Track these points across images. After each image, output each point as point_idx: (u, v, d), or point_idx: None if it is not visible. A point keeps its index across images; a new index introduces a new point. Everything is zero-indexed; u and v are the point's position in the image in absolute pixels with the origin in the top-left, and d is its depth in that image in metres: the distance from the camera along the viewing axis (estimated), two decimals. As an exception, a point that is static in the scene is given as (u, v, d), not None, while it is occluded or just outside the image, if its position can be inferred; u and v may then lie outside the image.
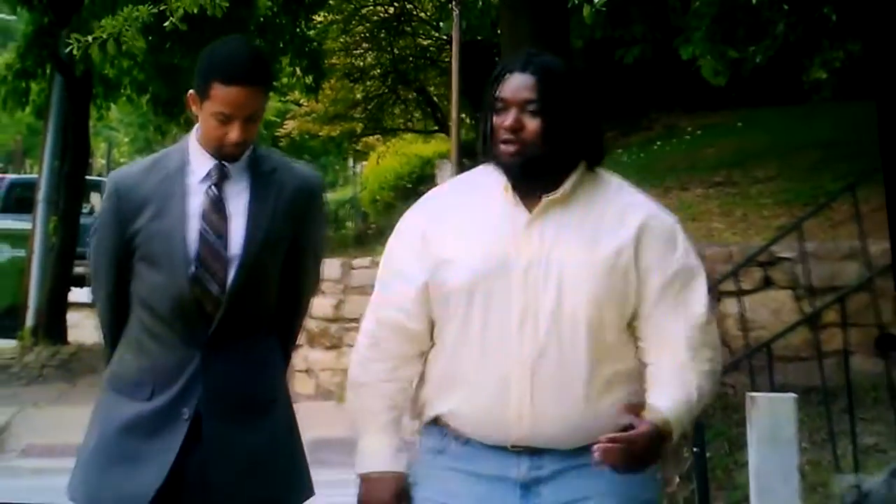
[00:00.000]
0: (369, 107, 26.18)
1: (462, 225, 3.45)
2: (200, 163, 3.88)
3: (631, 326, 3.43)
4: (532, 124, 3.36)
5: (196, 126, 3.93)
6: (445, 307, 3.43)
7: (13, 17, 25.55)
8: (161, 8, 11.64)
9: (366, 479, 3.51)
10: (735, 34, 12.21)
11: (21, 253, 17.62)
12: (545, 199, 3.38)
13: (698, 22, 12.74)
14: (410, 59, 24.48)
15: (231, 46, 3.90)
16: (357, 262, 13.10)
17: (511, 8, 11.58)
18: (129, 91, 18.57)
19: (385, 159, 26.85)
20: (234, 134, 3.79)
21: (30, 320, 16.67)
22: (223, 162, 3.87)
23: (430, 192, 3.74)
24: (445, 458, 3.48)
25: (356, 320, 13.92)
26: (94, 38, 12.18)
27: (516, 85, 3.39)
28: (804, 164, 12.52)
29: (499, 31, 13.59)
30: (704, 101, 16.74)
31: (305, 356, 12.89)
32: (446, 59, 20.24)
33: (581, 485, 3.37)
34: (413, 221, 3.58)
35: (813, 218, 8.93)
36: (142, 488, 3.78)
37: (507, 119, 3.37)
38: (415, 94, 25.84)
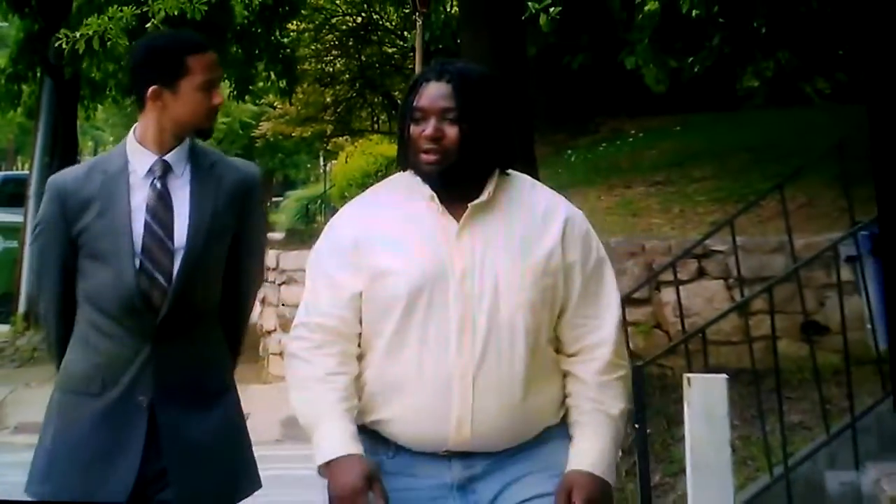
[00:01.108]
0: (338, 110, 26.16)
1: (394, 235, 3.30)
2: (141, 161, 3.77)
3: (556, 325, 3.35)
4: (452, 132, 3.24)
5: (133, 128, 3.85)
6: (380, 316, 3.27)
7: (5, 24, 25.36)
8: (143, 10, 11.68)
9: (330, 469, 3.20)
10: (674, 45, 12.29)
11: (13, 244, 17.59)
12: (471, 206, 3.27)
13: (641, 34, 12.83)
14: (376, 65, 24.46)
15: (170, 33, 3.95)
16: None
17: (470, 19, 11.60)
18: (115, 93, 18.49)
19: (353, 158, 26.76)
20: (218, 97, 3.78)
21: (22, 307, 16.60)
22: (164, 158, 3.75)
23: (355, 200, 3.56)
24: (384, 477, 3.23)
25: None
26: (80, 35, 12.26)
27: (433, 94, 3.28)
28: (736, 166, 12.58)
29: (458, 41, 13.60)
30: (646, 107, 16.79)
31: (279, 340, 12.88)
32: (410, 66, 20.23)
33: (509, 471, 3.29)
34: (343, 229, 3.41)
35: (743, 214, 8.97)
36: (119, 482, 3.67)
37: (427, 128, 3.25)
38: (381, 98, 25.83)
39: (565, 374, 3.37)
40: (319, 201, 32.46)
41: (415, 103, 3.30)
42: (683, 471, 5.28)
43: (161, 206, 3.74)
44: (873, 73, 6.72)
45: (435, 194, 3.29)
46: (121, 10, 12.29)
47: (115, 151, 3.90)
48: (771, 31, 11.62)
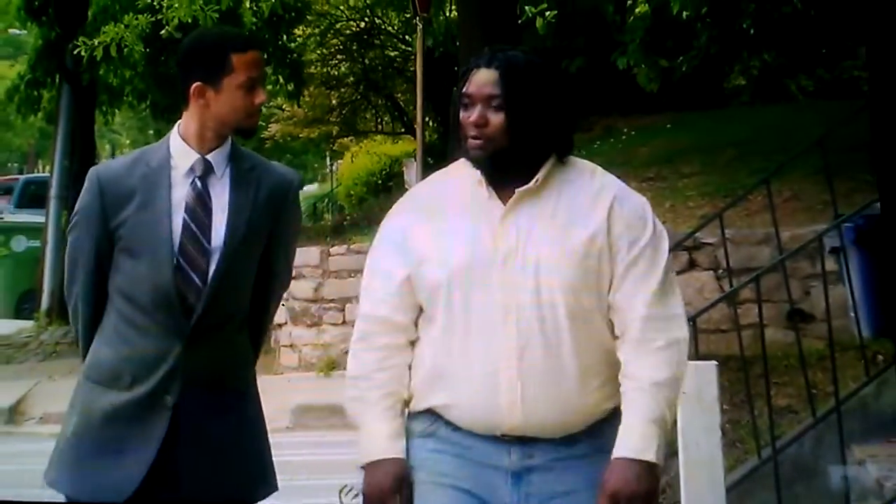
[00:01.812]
0: (344, 111, 26.14)
1: (440, 221, 3.22)
2: (183, 157, 3.65)
3: (608, 310, 3.19)
4: (496, 119, 3.13)
5: (178, 123, 3.72)
6: (428, 302, 3.20)
7: (23, 32, 25.42)
8: (158, 17, 11.70)
9: (366, 469, 3.21)
10: (665, 46, 12.30)
11: (36, 244, 17.62)
12: (517, 192, 3.16)
13: (633, 35, 12.83)
14: (380, 69, 24.43)
15: (217, 30, 3.84)
16: (334, 249, 13.14)
17: (468, 23, 11.64)
18: (131, 98, 18.53)
19: (358, 158, 26.78)
20: (260, 96, 3.65)
21: (45, 303, 16.63)
22: (206, 157, 3.64)
23: (410, 191, 3.48)
24: (436, 440, 3.23)
25: (334, 301, 14.01)
26: (98, 43, 12.29)
27: (480, 80, 3.16)
28: (724, 161, 12.58)
29: (457, 44, 13.62)
30: (638, 106, 16.79)
31: (290, 333, 12.92)
32: (411, 69, 20.21)
33: (570, 477, 3.16)
34: (394, 221, 3.34)
35: (731, 208, 9.00)
36: (126, 477, 3.55)
37: (473, 114, 3.15)
38: (384, 100, 25.80)
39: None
40: (326, 200, 32.50)
41: (463, 90, 3.20)
42: (676, 453, 5.29)
43: (200, 205, 3.63)
44: (874, 68, 6.70)
45: (484, 179, 3.19)
46: (136, 18, 12.29)
47: (159, 145, 3.76)
48: (756, 30, 11.61)
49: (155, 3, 11.90)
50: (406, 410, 3.29)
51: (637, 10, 17.36)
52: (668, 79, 13.43)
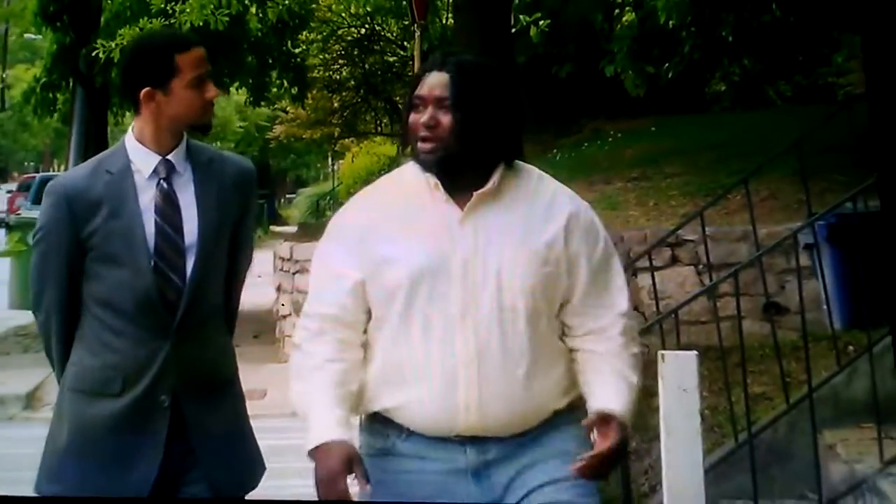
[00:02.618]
0: (345, 114, 26.16)
1: (397, 223, 3.12)
2: (144, 161, 3.56)
3: (559, 313, 3.17)
4: (445, 120, 3.05)
5: (131, 127, 3.62)
6: (384, 304, 3.10)
7: (39, 37, 25.42)
8: (171, 21, 11.73)
9: (314, 454, 3.04)
10: (651, 53, 12.33)
11: (52, 238, 17.60)
12: (476, 194, 3.07)
13: (620, 44, 12.87)
14: (379, 73, 24.46)
15: (156, 33, 3.73)
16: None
17: (463, 30, 11.68)
18: (142, 100, 18.50)
19: (358, 158, 26.89)
20: (210, 91, 3.55)
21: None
22: (167, 157, 3.56)
23: (360, 192, 3.37)
24: (392, 459, 3.14)
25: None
26: (115, 45, 12.32)
27: (432, 83, 3.09)
28: (705, 162, 12.60)
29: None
30: (624, 110, 16.82)
31: (293, 324, 12.91)
32: (409, 74, 20.24)
33: (528, 454, 3.12)
34: (347, 221, 3.25)
35: (712, 207, 9.03)
36: (139, 482, 3.47)
37: (423, 116, 3.07)
38: (383, 103, 25.83)
39: (574, 352, 3.20)
40: (328, 197, 32.54)
41: (415, 92, 3.13)
42: (657, 438, 5.32)
43: (169, 205, 3.54)
44: (871, 62, 6.70)
45: (439, 182, 3.10)
46: (150, 22, 12.36)
47: (114, 151, 3.65)
48: (737, 39, 11.65)
49: (168, 8, 11.99)
50: (352, 414, 3.17)
51: (624, 19, 17.39)
52: (654, 84, 13.48)
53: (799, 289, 7.27)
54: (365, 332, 3.18)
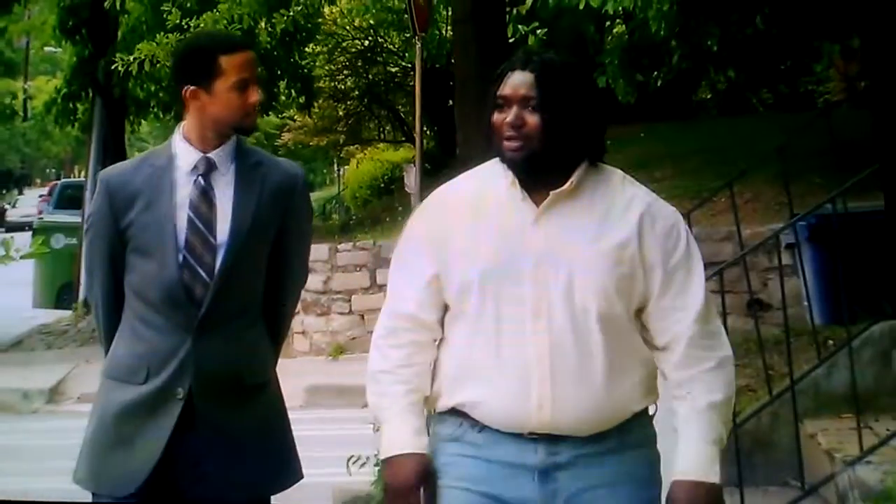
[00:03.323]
0: (350, 122, 26.11)
1: (472, 220, 2.96)
2: (187, 157, 3.47)
3: (639, 315, 2.97)
4: (532, 120, 2.88)
5: (180, 124, 3.54)
6: (457, 301, 2.96)
7: (59, 50, 25.46)
8: (186, 36, 11.80)
9: (389, 463, 2.97)
10: (641, 63, 12.34)
11: (73, 241, 17.67)
12: (552, 194, 2.90)
13: (611, 56, 12.89)
14: (382, 83, 24.41)
15: (206, 33, 3.65)
16: (341, 246, 13.25)
17: (462, 41, 11.63)
18: (157, 109, 18.59)
19: (363, 164, 26.86)
20: (255, 95, 3.46)
21: (82, 294, 16.68)
22: (208, 155, 3.46)
23: (439, 189, 3.14)
24: (461, 445, 2.98)
25: (340, 293, 14.09)
26: (134, 59, 12.41)
27: (516, 82, 2.92)
28: (692, 167, 12.64)
29: (452, 61, 13.67)
30: (616, 116, 16.81)
31: (301, 321, 13.02)
32: (411, 84, 20.26)
33: (595, 472, 2.92)
34: (423, 219, 3.09)
35: (698, 209, 9.06)
36: (137, 468, 3.38)
37: (509, 116, 2.90)
38: (386, 111, 25.78)
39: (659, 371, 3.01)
40: (334, 201, 32.52)
41: (498, 91, 2.95)
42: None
43: (204, 202, 3.44)
44: (871, 63, 6.68)
45: (517, 180, 2.93)
46: (166, 37, 12.43)
47: (164, 146, 3.58)
48: (723, 49, 11.65)
49: (183, 23, 12.02)
50: (425, 410, 3.06)
51: (615, 31, 17.41)
52: (643, 92, 13.47)
53: (781, 286, 7.27)
54: (440, 329, 3.04)
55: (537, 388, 2.88)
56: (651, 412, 3.04)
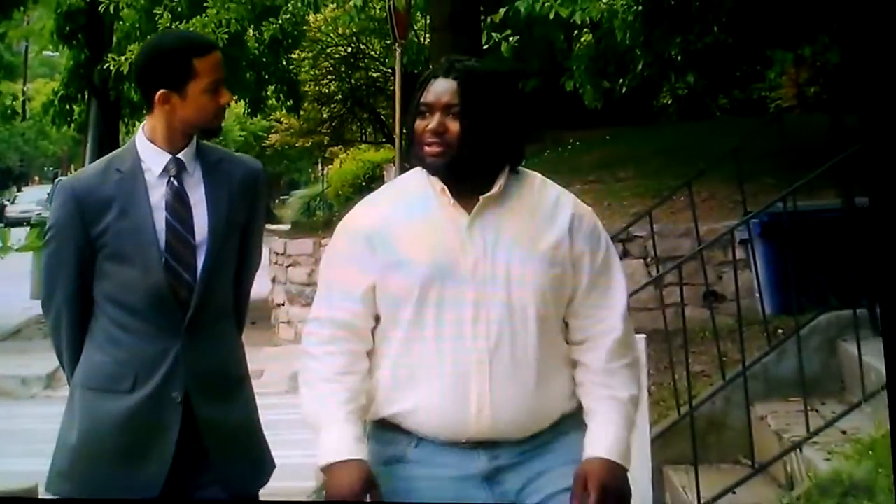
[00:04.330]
0: (333, 124, 26.13)
1: (406, 227, 2.84)
2: (154, 159, 3.25)
3: (564, 314, 2.90)
4: (454, 126, 2.79)
5: (142, 126, 3.30)
6: (395, 308, 2.83)
7: (56, 54, 25.37)
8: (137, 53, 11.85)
9: (329, 471, 2.80)
10: (607, 70, 12.39)
11: (69, 235, 17.62)
12: (482, 198, 2.81)
13: (579, 63, 12.94)
14: (364, 87, 24.45)
15: (173, 34, 3.34)
16: (325, 241, 13.20)
17: (439, 48, 11.74)
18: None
19: (345, 164, 26.87)
20: (225, 96, 3.25)
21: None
22: (177, 156, 3.26)
23: (367, 198, 3.04)
24: (404, 466, 2.86)
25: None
26: (125, 59, 12.41)
27: (439, 89, 2.83)
28: (653, 168, 12.62)
29: (430, 67, 13.69)
30: (582, 121, 16.84)
31: (287, 311, 13.05)
32: (391, 88, 20.23)
33: (538, 463, 2.84)
34: (355, 226, 2.93)
35: (659, 207, 9.07)
36: (150, 479, 3.18)
37: (431, 122, 2.81)
38: (368, 114, 25.81)
39: (574, 364, 2.91)
40: (318, 199, 32.53)
41: (421, 98, 2.86)
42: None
43: (179, 203, 3.24)
44: (864, 80, 6.68)
45: (446, 187, 2.84)
46: (158, 39, 12.46)
47: (125, 150, 3.34)
48: (683, 58, 11.72)
49: (173, 26, 12.04)
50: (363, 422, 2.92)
51: (583, 39, 17.45)
52: (609, 98, 13.53)
53: (735, 279, 7.35)
54: (373, 339, 2.91)
55: (476, 392, 2.78)
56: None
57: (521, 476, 2.85)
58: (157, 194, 3.24)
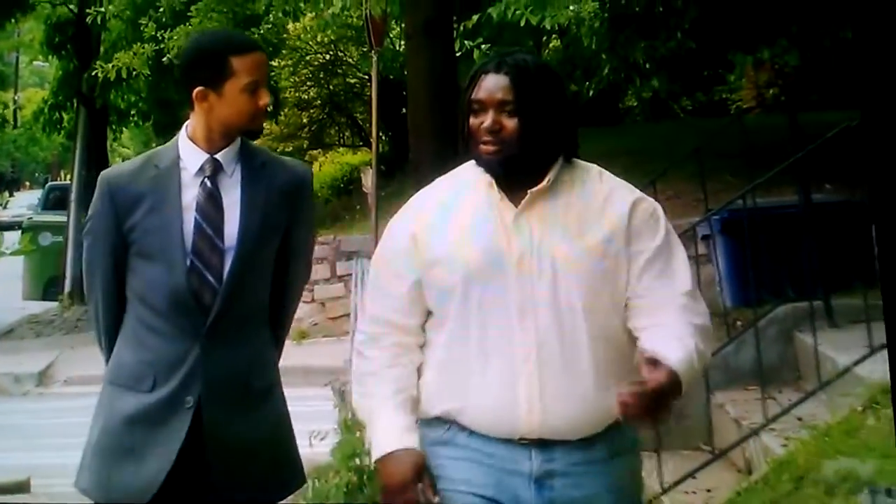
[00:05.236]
0: (313, 128, 26.04)
1: (452, 223, 2.71)
2: (192, 158, 3.07)
3: (624, 309, 2.70)
4: (510, 124, 2.64)
5: (186, 125, 3.13)
6: (441, 304, 2.70)
7: (46, 64, 25.32)
8: (160, 47, 11.82)
9: (381, 464, 2.69)
10: (574, 74, 12.43)
11: (59, 239, 17.57)
12: (530, 192, 2.66)
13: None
14: (342, 93, 24.38)
15: (216, 33, 3.21)
16: (304, 240, 13.24)
17: (414, 55, 11.72)
18: (136, 118, 18.58)
19: (324, 167, 26.74)
20: (264, 98, 3.05)
21: (67, 287, 16.62)
22: (215, 156, 3.07)
23: (417, 194, 2.87)
24: (452, 448, 2.71)
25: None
26: (112, 66, 12.44)
27: (492, 86, 2.67)
28: (619, 167, 12.53)
29: (405, 72, 13.72)
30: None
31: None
32: (368, 94, 20.25)
33: (589, 482, 2.66)
34: (402, 224, 2.80)
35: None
36: (149, 479, 3.01)
37: (486, 120, 2.66)
38: (346, 119, 25.76)
39: (637, 335, 2.67)
40: (299, 200, 32.52)
41: (473, 95, 2.70)
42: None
43: (211, 204, 3.05)
44: (867, 77, 6.67)
45: (494, 181, 2.70)
46: (143, 47, 12.48)
47: (167, 147, 3.16)
48: (648, 62, 11.77)
49: (158, 35, 12.06)
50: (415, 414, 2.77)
51: (552, 45, 17.48)
52: (576, 100, 13.58)
53: (697, 273, 7.26)
54: (424, 333, 2.78)
55: (525, 390, 2.62)
56: None
57: (571, 490, 2.66)
58: (190, 194, 3.06)
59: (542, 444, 2.65)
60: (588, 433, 2.67)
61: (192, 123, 3.11)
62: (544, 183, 2.68)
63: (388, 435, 2.69)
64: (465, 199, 2.74)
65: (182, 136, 3.12)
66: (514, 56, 2.72)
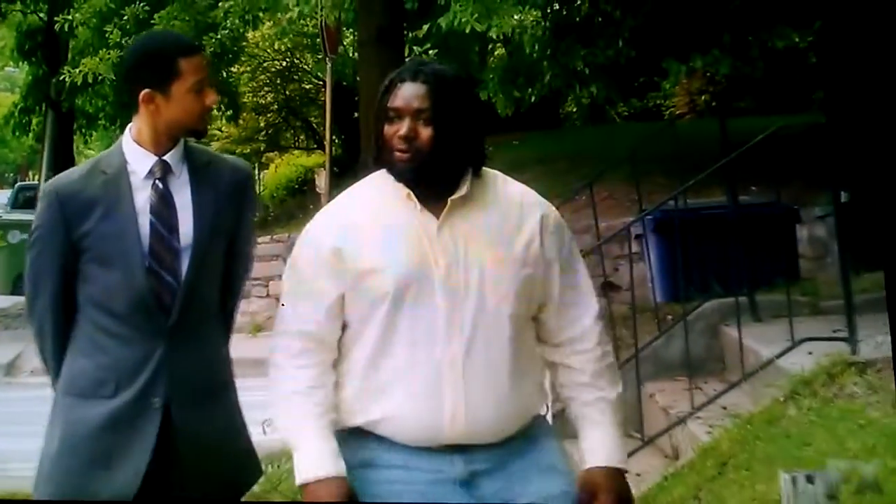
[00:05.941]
0: (269, 132, 25.88)
1: (374, 235, 2.57)
2: (140, 161, 2.92)
3: (536, 316, 2.67)
4: (425, 132, 2.53)
5: (129, 127, 2.98)
6: (366, 315, 2.56)
7: (17, 70, 25.00)
8: (125, 53, 11.72)
9: (307, 488, 2.54)
10: (517, 80, 12.44)
11: (27, 237, 17.41)
12: (450, 201, 2.56)
13: (493, 73, 12.98)
14: (298, 98, 24.25)
15: (160, 34, 3.15)
16: (260, 239, 13.16)
17: (366, 61, 11.72)
18: (104, 122, 18.37)
19: (280, 168, 26.58)
20: (211, 97, 2.95)
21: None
22: (163, 158, 2.93)
23: (329, 205, 2.73)
24: (376, 470, 2.59)
25: (259, 279, 13.96)
26: (79, 71, 12.34)
27: (409, 94, 2.55)
28: (558, 170, 12.71)
29: (358, 78, 13.67)
30: (494, 127, 16.90)
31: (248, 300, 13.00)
32: (322, 99, 20.12)
33: (513, 469, 2.59)
34: (320, 236, 2.64)
35: (563, 205, 9.11)
36: (124, 483, 2.87)
37: (402, 128, 2.53)
38: (301, 122, 25.63)
39: (553, 365, 2.69)
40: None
41: (389, 103, 2.57)
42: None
43: (164, 206, 2.92)
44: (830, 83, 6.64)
45: (411, 192, 2.57)
46: (108, 53, 12.37)
47: (112, 151, 2.99)
48: (587, 69, 11.80)
49: (122, 42, 12.00)
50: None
51: (496, 53, 17.50)
52: (519, 106, 13.60)
53: (630, 270, 7.43)
54: (338, 349, 2.65)
55: (450, 397, 2.53)
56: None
57: (497, 480, 2.59)
58: (142, 197, 2.92)
59: (463, 449, 2.57)
60: (506, 435, 2.61)
61: (137, 126, 2.96)
62: (462, 191, 2.58)
63: (317, 459, 2.56)
64: (383, 211, 2.61)
65: (126, 140, 2.97)
66: (432, 65, 2.63)
